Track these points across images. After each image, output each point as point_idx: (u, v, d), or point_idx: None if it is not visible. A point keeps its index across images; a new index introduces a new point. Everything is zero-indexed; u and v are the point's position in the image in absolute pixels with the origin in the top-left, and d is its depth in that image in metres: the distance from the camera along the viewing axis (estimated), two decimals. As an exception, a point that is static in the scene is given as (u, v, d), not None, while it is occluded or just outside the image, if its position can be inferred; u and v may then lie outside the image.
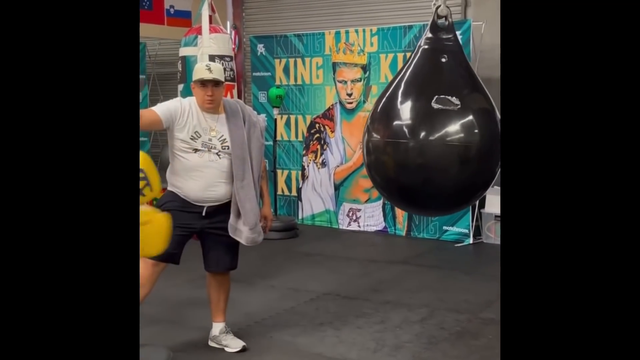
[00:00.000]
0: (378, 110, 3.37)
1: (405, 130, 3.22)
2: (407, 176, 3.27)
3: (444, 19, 3.36)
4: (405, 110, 3.28)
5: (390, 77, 6.81)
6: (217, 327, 3.89)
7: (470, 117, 3.17)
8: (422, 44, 3.38)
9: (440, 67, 3.32)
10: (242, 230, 3.61)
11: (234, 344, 3.84)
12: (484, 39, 6.35)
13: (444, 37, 3.34)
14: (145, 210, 2.08)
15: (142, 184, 2.01)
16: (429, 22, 3.37)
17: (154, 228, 2.11)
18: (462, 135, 3.16)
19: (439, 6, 3.34)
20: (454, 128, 3.16)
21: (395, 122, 3.26)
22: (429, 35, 3.36)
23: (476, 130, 3.16)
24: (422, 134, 3.18)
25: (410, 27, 6.76)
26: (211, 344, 3.91)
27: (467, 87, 3.29)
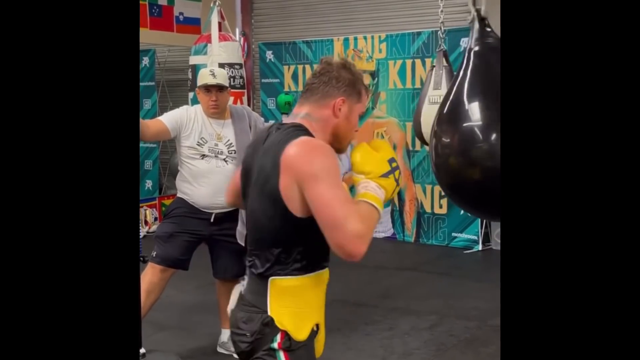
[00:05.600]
0: (445, 112, 3.36)
1: (475, 130, 3.21)
2: (475, 178, 3.24)
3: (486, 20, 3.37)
4: (473, 110, 3.26)
5: (399, 84, 6.83)
6: (226, 334, 3.88)
7: None
8: (472, 47, 3.36)
9: (492, 63, 3.30)
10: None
11: (242, 351, 3.84)
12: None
13: (492, 37, 3.35)
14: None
15: (397, 173, 1.90)
16: (475, 25, 3.36)
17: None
18: None
19: (479, 9, 3.34)
20: None
21: (464, 124, 3.25)
22: (477, 36, 3.35)
23: None
24: (494, 133, 3.15)
25: (419, 33, 6.76)
26: (220, 350, 3.91)
27: None
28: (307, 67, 7.48)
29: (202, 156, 3.58)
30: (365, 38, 7.11)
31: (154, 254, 3.63)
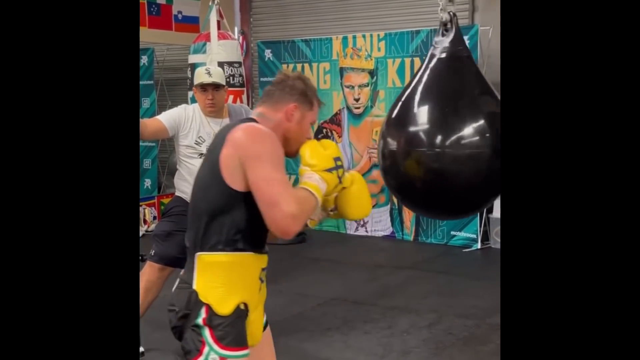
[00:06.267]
0: (393, 116, 3.37)
1: (422, 136, 3.23)
2: (422, 180, 3.28)
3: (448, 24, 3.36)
4: (421, 115, 3.29)
5: (397, 82, 6.82)
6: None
7: (482, 122, 3.18)
8: (436, 53, 3.35)
9: (453, 72, 3.32)
10: None
11: (241, 349, 3.84)
12: (491, 44, 6.34)
13: (458, 43, 3.35)
14: (346, 176, 2.14)
15: (340, 172, 2.08)
16: (455, 29, 3.35)
17: (357, 189, 2.17)
18: (475, 139, 3.18)
19: (451, 13, 3.34)
20: (468, 133, 3.18)
21: (411, 128, 3.27)
22: (447, 45, 3.35)
23: (487, 135, 3.16)
24: (438, 138, 3.19)
25: (418, 32, 6.75)
26: (218, 349, 3.91)
27: (479, 89, 3.31)
28: (306, 65, 7.48)
29: (200, 155, 3.57)
30: (364, 36, 7.11)
31: (153, 252, 3.63)
